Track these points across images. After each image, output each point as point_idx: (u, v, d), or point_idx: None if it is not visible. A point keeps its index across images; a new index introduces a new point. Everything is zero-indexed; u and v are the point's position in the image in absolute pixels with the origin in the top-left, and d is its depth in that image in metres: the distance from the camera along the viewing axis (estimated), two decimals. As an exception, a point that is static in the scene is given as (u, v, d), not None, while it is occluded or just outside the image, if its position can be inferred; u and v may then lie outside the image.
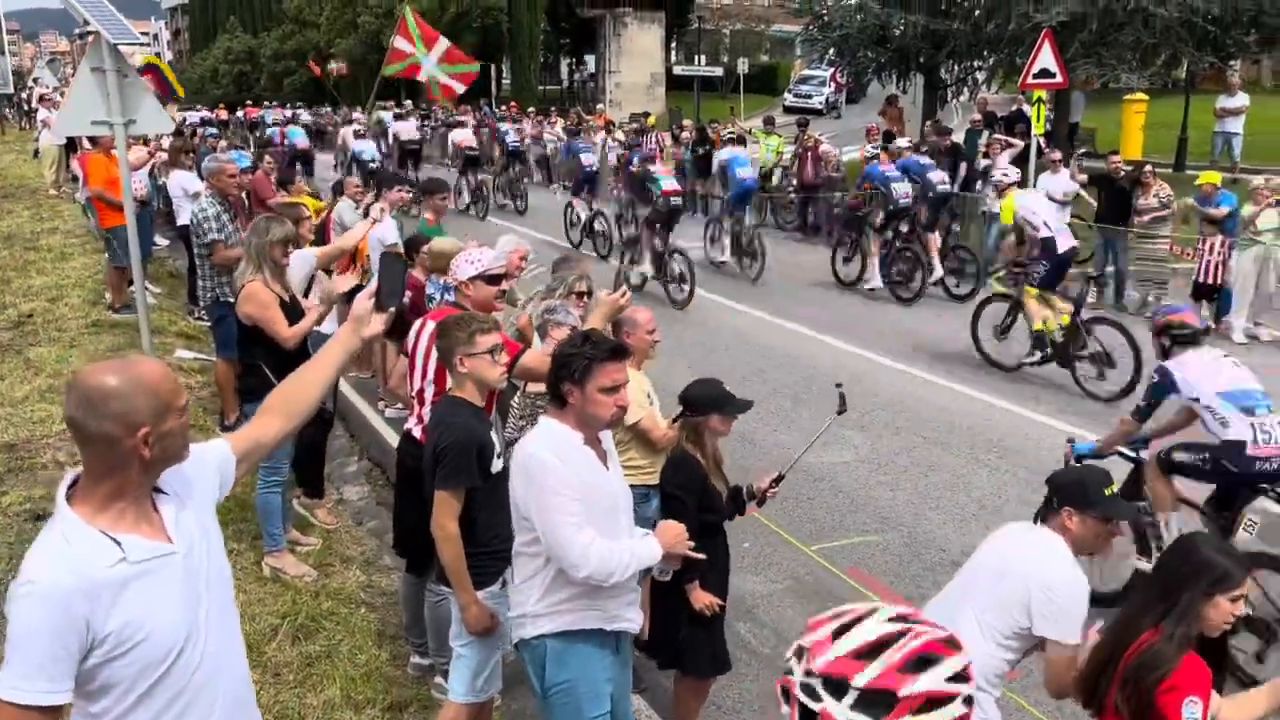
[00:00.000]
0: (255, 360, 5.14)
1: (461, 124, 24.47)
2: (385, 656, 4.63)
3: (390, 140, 22.80)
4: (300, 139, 22.70)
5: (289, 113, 32.75)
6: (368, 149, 19.51)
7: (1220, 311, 10.72)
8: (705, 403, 3.90)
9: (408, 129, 22.53)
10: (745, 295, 12.62)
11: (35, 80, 35.16)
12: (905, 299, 12.27)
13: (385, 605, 5.13)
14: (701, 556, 3.27)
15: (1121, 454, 5.41)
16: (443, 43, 12.93)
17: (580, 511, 2.87)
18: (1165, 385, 5.14)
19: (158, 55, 22.07)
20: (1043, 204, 9.72)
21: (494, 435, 3.62)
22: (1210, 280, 10.57)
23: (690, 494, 3.86)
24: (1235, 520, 4.95)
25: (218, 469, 2.28)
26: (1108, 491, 3.16)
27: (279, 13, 54.43)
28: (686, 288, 11.96)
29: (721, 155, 14.80)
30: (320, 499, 6.13)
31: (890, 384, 9.15)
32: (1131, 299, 11.73)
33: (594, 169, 17.08)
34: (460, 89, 15.49)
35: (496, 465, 3.53)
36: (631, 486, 4.29)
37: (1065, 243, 9.07)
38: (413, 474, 4.05)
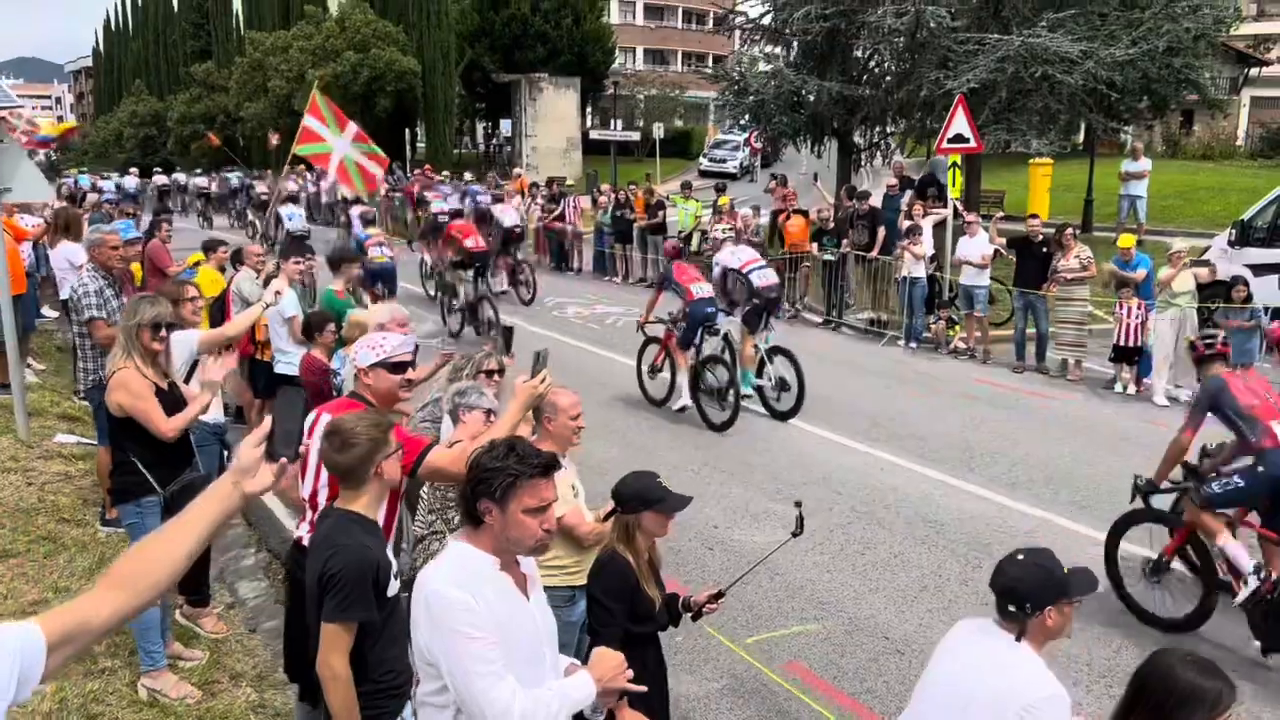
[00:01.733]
0: (127, 456, 4.56)
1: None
2: (275, 795, 4.08)
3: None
4: (85, 184, 28.17)
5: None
6: (109, 187, 28.02)
7: (1141, 374, 10.74)
8: (638, 498, 3.48)
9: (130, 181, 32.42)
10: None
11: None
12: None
13: (278, 730, 4.56)
14: (642, 689, 2.80)
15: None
16: (352, 126, 12.35)
17: (498, 659, 2.38)
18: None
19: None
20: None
21: (388, 552, 3.15)
22: (1130, 343, 10.61)
23: (618, 601, 3.44)
24: None
25: (13, 665, 1.65)
26: (1067, 569, 2.85)
27: (186, 77, 53.29)
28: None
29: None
30: (205, 606, 5.52)
31: (822, 456, 8.87)
32: (1053, 362, 11.74)
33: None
34: (380, 173, 15.10)
35: (393, 587, 3.05)
36: (554, 589, 3.83)
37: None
38: (304, 588, 3.54)
